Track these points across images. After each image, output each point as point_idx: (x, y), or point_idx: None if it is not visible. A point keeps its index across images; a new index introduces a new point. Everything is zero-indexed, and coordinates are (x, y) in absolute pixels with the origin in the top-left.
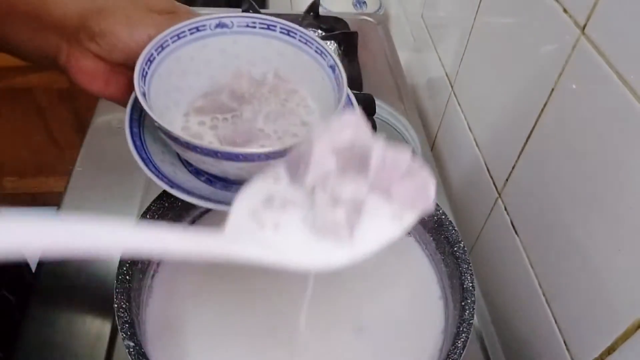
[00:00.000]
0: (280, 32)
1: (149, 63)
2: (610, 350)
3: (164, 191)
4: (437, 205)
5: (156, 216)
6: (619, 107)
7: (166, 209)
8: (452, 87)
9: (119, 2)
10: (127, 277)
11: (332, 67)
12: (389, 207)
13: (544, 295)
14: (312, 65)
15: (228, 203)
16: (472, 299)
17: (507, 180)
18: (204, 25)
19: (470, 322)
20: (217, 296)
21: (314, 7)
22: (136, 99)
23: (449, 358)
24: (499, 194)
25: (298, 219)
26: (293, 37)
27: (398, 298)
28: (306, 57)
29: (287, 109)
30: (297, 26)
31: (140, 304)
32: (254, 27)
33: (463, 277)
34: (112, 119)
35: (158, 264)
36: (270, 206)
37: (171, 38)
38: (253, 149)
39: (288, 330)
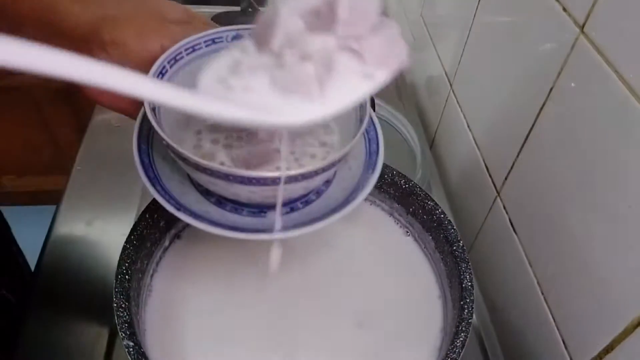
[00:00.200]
0: None
1: (160, 76)
2: (608, 349)
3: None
4: (436, 204)
5: (152, 220)
6: (618, 106)
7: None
8: (451, 85)
9: (132, 11)
10: (127, 277)
11: None
12: (361, 66)
13: (542, 294)
14: None
15: (238, 229)
16: (471, 298)
17: (506, 179)
18: (220, 37)
19: (469, 321)
20: (217, 296)
21: None
22: (145, 114)
23: (448, 357)
24: (498, 193)
25: (267, 81)
26: None
27: (397, 296)
28: None
29: (306, 129)
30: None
31: (139, 304)
32: None
33: (462, 277)
34: (112, 117)
35: (157, 264)
36: (238, 72)
37: (185, 50)
38: (267, 172)
39: (289, 333)
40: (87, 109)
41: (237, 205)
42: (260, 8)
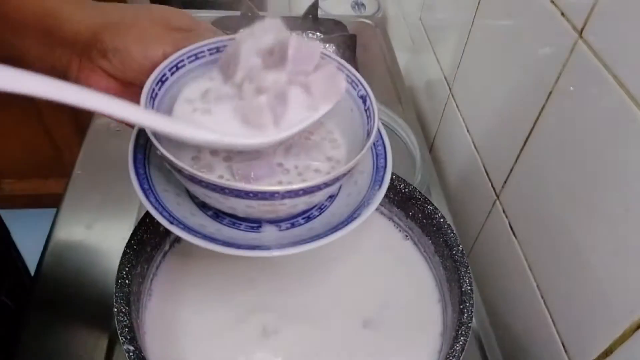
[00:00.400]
0: None
1: (160, 84)
2: (607, 352)
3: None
4: (436, 208)
5: (152, 225)
6: (616, 110)
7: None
8: (450, 89)
9: (134, 18)
10: (127, 281)
11: (363, 98)
12: (308, 99)
13: (542, 297)
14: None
15: (233, 244)
16: (471, 302)
17: (505, 182)
18: (225, 46)
19: (469, 325)
20: (217, 299)
21: (312, 10)
22: None
23: None
24: (497, 196)
25: (230, 109)
26: None
27: (396, 300)
28: None
29: (312, 143)
30: (327, 51)
31: (139, 308)
32: None
33: (461, 281)
34: (112, 121)
35: (157, 268)
36: (206, 99)
37: (188, 58)
38: (265, 186)
39: (290, 336)
40: (87, 112)
41: (234, 220)
42: (260, 12)
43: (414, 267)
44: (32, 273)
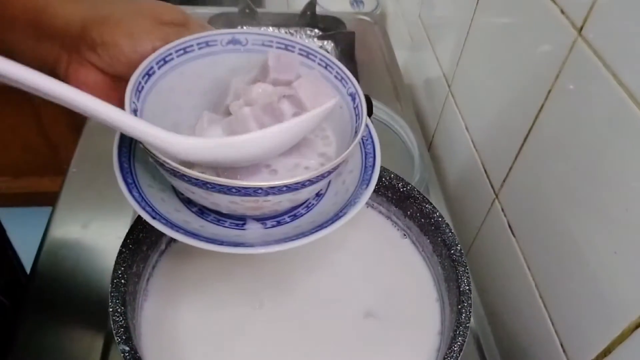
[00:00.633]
0: (299, 54)
1: (146, 77)
2: (606, 352)
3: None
4: (434, 207)
5: (148, 224)
6: (616, 109)
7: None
8: (449, 87)
9: (124, 12)
10: (123, 281)
11: (352, 96)
12: (295, 108)
13: (540, 297)
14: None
15: (217, 241)
16: (469, 302)
17: (504, 181)
18: (214, 41)
19: (467, 325)
20: (214, 299)
21: (311, 6)
22: None
23: None
24: (496, 196)
25: (220, 127)
26: (312, 59)
27: (394, 299)
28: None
29: (304, 140)
30: (318, 49)
31: (135, 308)
32: (270, 46)
33: (460, 280)
34: None
35: (153, 267)
36: (199, 124)
37: (176, 52)
38: (248, 182)
39: (287, 336)
40: None
41: (219, 217)
42: (257, 9)
43: (412, 266)
44: (28, 271)
